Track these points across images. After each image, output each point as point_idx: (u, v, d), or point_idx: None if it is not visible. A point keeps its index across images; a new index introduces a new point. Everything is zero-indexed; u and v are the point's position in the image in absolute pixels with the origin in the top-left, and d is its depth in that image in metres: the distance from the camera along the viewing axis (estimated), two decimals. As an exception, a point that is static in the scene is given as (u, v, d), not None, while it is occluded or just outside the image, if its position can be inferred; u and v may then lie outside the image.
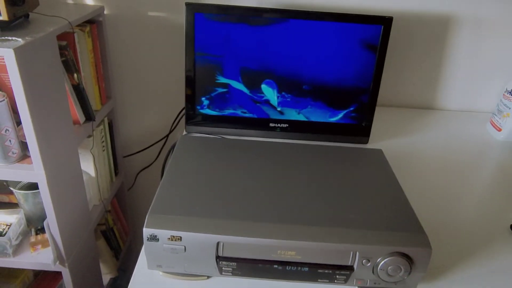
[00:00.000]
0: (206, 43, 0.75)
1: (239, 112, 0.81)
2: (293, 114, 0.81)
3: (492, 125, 0.92)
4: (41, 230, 0.82)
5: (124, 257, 1.14)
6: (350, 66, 0.77)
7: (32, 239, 0.81)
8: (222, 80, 0.78)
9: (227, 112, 0.80)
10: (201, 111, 0.80)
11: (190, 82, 0.78)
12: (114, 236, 1.03)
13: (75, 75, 0.76)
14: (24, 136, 0.65)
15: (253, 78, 0.79)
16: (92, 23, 0.85)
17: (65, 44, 0.72)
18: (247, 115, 0.80)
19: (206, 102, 0.80)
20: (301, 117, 0.81)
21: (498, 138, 0.89)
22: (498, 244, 0.59)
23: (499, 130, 0.89)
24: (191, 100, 0.80)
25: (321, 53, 0.76)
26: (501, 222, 0.63)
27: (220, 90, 0.79)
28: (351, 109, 0.80)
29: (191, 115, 0.82)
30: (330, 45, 0.76)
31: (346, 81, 0.78)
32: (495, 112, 0.91)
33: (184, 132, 0.83)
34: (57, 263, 0.78)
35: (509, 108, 0.87)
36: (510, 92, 0.87)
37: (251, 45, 0.75)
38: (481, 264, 0.55)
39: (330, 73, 0.78)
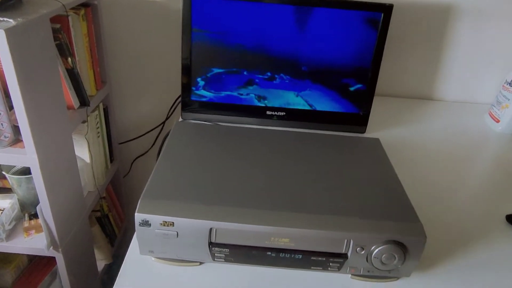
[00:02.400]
0: (203, 21, 0.73)
1: (235, 93, 0.79)
2: (291, 97, 0.79)
3: (490, 116, 0.91)
4: (34, 216, 0.82)
5: (119, 244, 1.14)
6: (350, 52, 0.76)
7: (26, 224, 0.80)
8: (218, 60, 0.76)
9: (223, 94, 0.78)
10: (197, 92, 0.78)
11: (186, 66, 0.77)
12: (109, 222, 1.03)
13: (69, 59, 0.75)
14: (16, 120, 0.64)
15: (251, 58, 0.77)
16: (87, 6, 0.83)
17: (59, 27, 0.71)
18: (243, 97, 0.79)
19: (201, 83, 0.78)
20: (299, 100, 0.79)
21: (496, 130, 0.89)
22: (494, 234, 0.59)
23: (498, 121, 0.88)
24: (188, 86, 0.79)
25: (320, 39, 0.75)
26: (497, 213, 0.63)
27: (216, 70, 0.77)
28: (350, 93, 0.78)
29: (187, 102, 0.80)
30: (330, 31, 0.74)
31: (346, 66, 0.77)
32: (494, 104, 0.90)
33: (180, 119, 0.82)
34: (51, 248, 0.77)
35: (508, 100, 0.86)
36: (509, 83, 0.86)
37: (250, 24, 0.73)
38: (476, 254, 0.55)
39: (329, 56, 0.76)
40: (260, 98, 0.80)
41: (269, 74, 0.78)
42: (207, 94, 0.80)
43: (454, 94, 1.03)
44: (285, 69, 0.78)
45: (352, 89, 0.79)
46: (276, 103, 0.80)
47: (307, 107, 0.81)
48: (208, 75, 0.78)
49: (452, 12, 0.93)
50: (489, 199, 0.67)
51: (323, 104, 0.80)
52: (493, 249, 0.56)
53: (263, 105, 0.80)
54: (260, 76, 0.78)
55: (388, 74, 1.01)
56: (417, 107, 0.98)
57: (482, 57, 0.98)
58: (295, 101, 0.80)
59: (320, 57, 0.76)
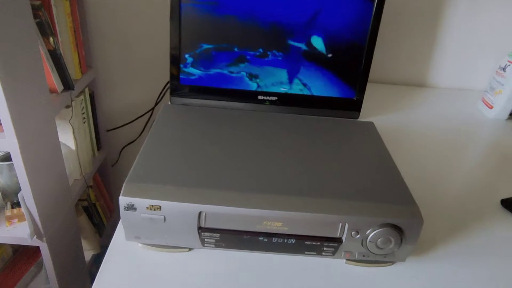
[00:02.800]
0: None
1: (226, 71, 0.75)
2: (284, 75, 0.76)
3: (483, 102, 0.90)
4: (17, 204, 0.79)
5: (108, 234, 1.11)
6: (344, 34, 0.74)
7: (8, 212, 0.77)
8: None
9: (213, 71, 0.75)
10: (185, 69, 0.75)
11: (174, 45, 0.73)
12: (97, 212, 1.00)
13: (51, 39, 0.71)
14: (-6, 101, 0.61)
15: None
16: (70, -16, 0.80)
17: (39, 4, 0.67)
18: (234, 75, 0.75)
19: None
20: (294, 81, 0.76)
21: (489, 116, 0.88)
22: (489, 219, 0.58)
23: (491, 107, 0.87)
24: (176, 68, 0.76)
25: (315, 18, 0.72)
26: (491, 197, 0.62)
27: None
28: (345, 72, 0.75)
29: (177, 86, 0.78)
30: (324, 8, 0.72)
31: (340, 44, 0.74)
32: (487, 90, 0.89)
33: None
34: (34, 237, 0.74)
35: (502, 85, 0.85)
36: (503, 69, 0.85)
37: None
38: (472, 239, 0.54)
39: (324, 32, 0.73)
40: (251, 76, 0.76)
41: (261, 50, 0.74)
42: (196, 72, 0.76)
43: (447, 81, 1.02)
44: (278, 45, 0.74)
45: (348, 64, 0.75)
46: (268, 82, 0.77)
47: (301, 86, 0.77)
48: (197, 51, 0.74)
49: (447, -4, 0.91)
50: (483, 184, 0.66)
51: (317, 82, 0.77)
52: (488, 233, 0.55)
53: (255, 84, 0.77)
54: (252, 52, 0.74)
55: (381, 60, 0.99)
56: (410, 94, 0.96)
57: (476, 43, 0.96)
58: (288, 79, 0.77)
59: (315, 33, 0.73)
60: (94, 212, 0.99)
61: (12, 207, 0.78)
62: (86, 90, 0.90)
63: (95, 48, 0.96)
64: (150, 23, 0.94)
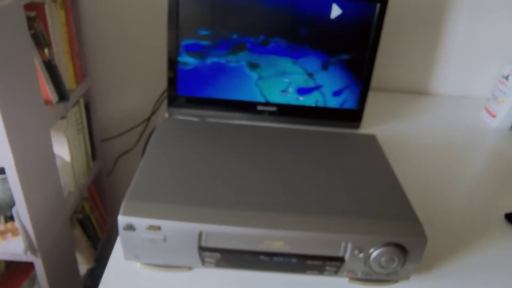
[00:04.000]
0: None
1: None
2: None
3: (486, 111, 0.90)
4: (10, 218, 0.77)
5: (103, 247, 1.09)
6: (345, 43, 0.73)
7: (1, 227, 0.75)
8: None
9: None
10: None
11: (172, 60, 0.73)
12: (92, 224, 0.99)
13: (46, 50, 0.70)
14: (-13, 115, 0.59)
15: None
16: (66, -6, 0.79)
17: (34, 15, 0.66)
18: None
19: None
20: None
21: (493, 125, 0.87)
22: (492, 233, 0.57)
23: (494, 116, 0.87)
24: (173, 81, 0.75)
25: (316, 22, 0.71)
26: (495, 210, 0.62)
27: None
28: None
29: (174, 97, 0.77)
30: (326, 20, 0.71)
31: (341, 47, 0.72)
32: (490, 98, 0.89)
33: (166, 115, 0.78)
34: (29, 252, 0.73)
35: (505, 94, 0.85)
36: (506, 78, 0.85)
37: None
38: (476, 255, 0.53)
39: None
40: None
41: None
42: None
43: (450, 89, 1.02)
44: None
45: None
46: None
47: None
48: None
49: (448, 4, 0.91)
50: (487, 197, 0.65)
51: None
52: (492, 249, 0.54)
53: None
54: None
55: (383, 68, 0.99)
56: (412, 102, 0.96)
57: (479, 51, 0.96)
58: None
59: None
60: (89, 224, 0.97)
61: (6, 221, 0.77)
62: (81, 100, 0.88)
63: (90, 57, 0.94)
64: (146, 32, 0.93)
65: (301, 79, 0.74)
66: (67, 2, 0.78)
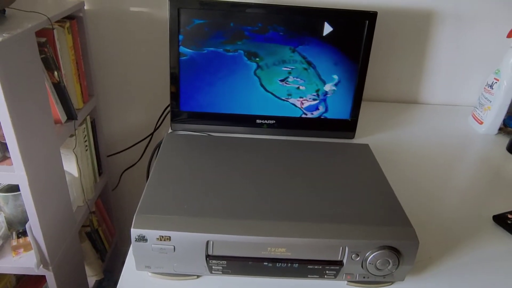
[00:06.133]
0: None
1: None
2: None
3: (474, 118, 0.94)
4: (22, 233, 0.80)
5: (110, 259, 1.12)
6: (337, 59, 0.77)
7: (14, 242, 0.79)
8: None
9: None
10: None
11: (174, 74, 0.76)
12: (99, 237, 1.02)
13: (56, 72, 0.74)
14: (3, 136, 0.63)
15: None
16: (72, 18, 0.83)
17: (45, 41, 0.70)
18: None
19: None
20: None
21: (480, 131, 0.91)
22: (482, 235, 0.60)
23: (481, 123, 0.91)
24: (176, 96, 0.79)
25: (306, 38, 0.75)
26: (484, 213, 0.65)
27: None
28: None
29: (177, 113, 0.80)
30: (316, 39, 0.75)
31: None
32: (477, 106, 0.93)
33: (170, 130, 0.82)
34: (41, 266, 0.76)
35: (490, 101, 0.89)
36: (490, 86, 0.89)
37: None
38: (466, 256, 0.56)
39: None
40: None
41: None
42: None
43: (438, 97, 1.06)
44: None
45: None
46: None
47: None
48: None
49: (434, 17, 0.95)
50: (476, 200, 0.68)
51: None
52: (482, 250, 0.58)
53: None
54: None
55: (374, 79, 1.03)
56: (402, 111, 1.00)
57: (464, 60, 1.01)
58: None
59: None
60: (97, 237, 1.00)
61: (18, 237, 0.80)
62: (88, 118, 0.92)
63: (96, 77, 0.98)
64: (148, 51, 0.97)
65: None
66: (74, 26, 0.82)
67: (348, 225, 0.49)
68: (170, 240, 0.47)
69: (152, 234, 0.46)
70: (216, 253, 0.48)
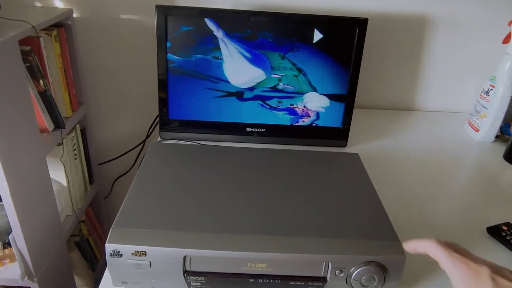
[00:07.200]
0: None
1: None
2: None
3: (470, 125, 0.92)
4: (9, 244, 0.79)
5: (102, 268, 1.10)
6: (327, 66, 0.76)
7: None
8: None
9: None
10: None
11: (163, 82, 0.75)
12: (89, 246, 1.00)
13: (41, 81, 0.73)
14: (-16, 146, 0.62)
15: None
16: (60, 26, 0.82)
17: (29, 49, 0.69)
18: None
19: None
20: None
21: (476, 139, 0.89)
22: (475, 247, 0.58)
23: (477, 130, 0.89)
24: (165, 105, 0.78)
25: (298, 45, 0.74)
26: (478, 224, 0.63)
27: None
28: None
29: (166, 121, 0.79)
30: (306, 45, 0.74)
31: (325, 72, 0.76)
32: (473, 113, 0.91)
33: (159, 139, 0.80)
34: (25, 278, 0.74)
35: (486, 109, 0.87)
36: (486, 93, 0.87)
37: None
38: (458, 269, 0.54)
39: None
40: None
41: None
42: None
43: (434, 104, 1.04)
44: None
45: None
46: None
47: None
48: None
49: (428, 23, 0.94)
50: (470, 210, 0.66)
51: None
52: (475, 263, 0.55)
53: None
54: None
55: (368, 86, 1.01)
56: (397, 118, 0.98)
57: (460, 67, 0.99)
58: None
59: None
60: (86, 247, 0.98)
61: (4, 247, 0.78)
62: (77, 126, 0.91)
63: (85, 84, 0.98)
64: (138, 58, 0.96)
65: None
66: (62, 34, 0.82)
67: (332, 239, 0.47)
68: (145, 255, 0.45)
69: (127, 249, 0.45)
70: (194, 268, 0.46)
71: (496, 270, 0.40)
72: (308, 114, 0.79)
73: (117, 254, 0.45)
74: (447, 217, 0.64)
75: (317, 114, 0.80)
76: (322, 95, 0.77)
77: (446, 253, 0.41)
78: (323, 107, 0.77)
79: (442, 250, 0.41)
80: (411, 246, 0.44)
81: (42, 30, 0.76)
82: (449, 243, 0.44)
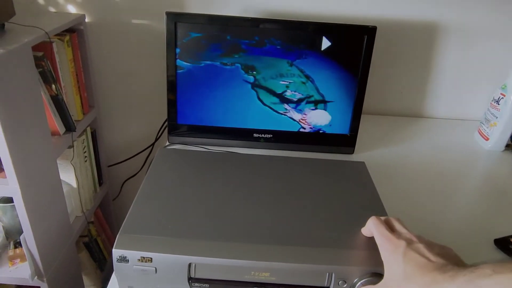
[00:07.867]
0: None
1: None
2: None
3: (480, 134, 0.91)
4: (20, 244, 0.80)
5: (110, 268, 1.12)
6: (336, 74, 0.76)
7: (11, 252, 0.79)
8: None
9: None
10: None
11: (172, 87, 0.76)
12: (98, 247, 1.02)
13: (53, 85, 0.74)
14: (-3, 149, 0.64)
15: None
16: (73, 32, 0.84)
17: (42, 55, 0.71)
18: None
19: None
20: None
21: (486, 148, 0.88)
22: (481, 259, 0.57)
23: (487, 139, 0.88)
24: (174, 110, 0.79)
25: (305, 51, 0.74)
26: (486, 235, 0.62)
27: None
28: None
29: (174, 126, 0.80)
30: (314, 53, 0.74)
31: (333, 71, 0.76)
32: (483, 121, 0.90)
33: (167, 143, 0.81)
34: (35, 278, 0.76)
35: (496, 118, 0.86)
36: (497, 101, 0.86)
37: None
38: (463, 281, 0.54)
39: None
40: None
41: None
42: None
43: (443, 111, 1.03)
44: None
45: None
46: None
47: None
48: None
49: (439, 30, 0.93)
50: (478, 221, 0.66)
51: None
52: (481, 276, 0.55)
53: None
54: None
55: (377, 92, 1.01)
56: (406, 125, 0.97)
57: (470, 74, 0.98)
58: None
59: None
60: (95, 247, 1.00)
61: (15, 247, 0.80)
62: (88, 129, 0.93)
63: (96, 87, 0.99)
64: (149, 62, 0.98)
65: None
66: (74, 39, 0.83)
67: (336, 249, 0.47)
68: (151, 261, 0.46)
69: (133, 255, 0.46)
70: (198, 275, 0.47)
71: (411, 245, 0.42)
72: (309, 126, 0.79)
73: (123, 259, 0.46)
74: (454, 228, 0.64)
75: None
76: (324, 112, 0.77)
77: (377, 229, 0.45)
78: (323, 125, 0.78)
79: (374, 227, 0.45)
80: (365, 229, 0.48)
81: (55, 35, 0.78)
82: (387, 219, 0.47)
